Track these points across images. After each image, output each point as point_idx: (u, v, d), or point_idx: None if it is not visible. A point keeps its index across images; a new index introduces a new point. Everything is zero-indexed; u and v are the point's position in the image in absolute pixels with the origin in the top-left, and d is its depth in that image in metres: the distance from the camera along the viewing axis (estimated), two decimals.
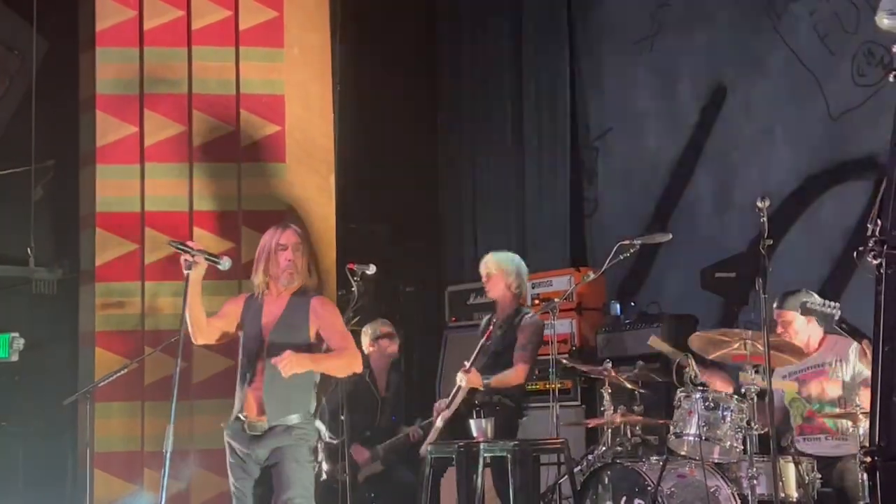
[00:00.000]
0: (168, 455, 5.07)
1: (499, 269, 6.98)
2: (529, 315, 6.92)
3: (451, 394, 6.85)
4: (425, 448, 6.80)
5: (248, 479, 5.46)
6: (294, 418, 5.39)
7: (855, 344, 6.18)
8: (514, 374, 6.77)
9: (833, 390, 6.23)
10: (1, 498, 7.73)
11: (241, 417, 5.45)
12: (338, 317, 5.62)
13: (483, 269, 7.05)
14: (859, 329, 5.69)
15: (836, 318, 5.41)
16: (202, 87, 7.70)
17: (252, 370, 5.48)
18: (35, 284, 8.01)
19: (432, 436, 6.89)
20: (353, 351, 5.53)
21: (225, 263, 5.48)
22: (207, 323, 5.55)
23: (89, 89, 7.68)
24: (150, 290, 7.51)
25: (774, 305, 6.31)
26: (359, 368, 5.58)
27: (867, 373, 6.05)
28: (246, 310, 5.64)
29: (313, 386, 5.52)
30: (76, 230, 7.82)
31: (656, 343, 6.62)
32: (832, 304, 5.37)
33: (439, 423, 6.84)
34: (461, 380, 6.72)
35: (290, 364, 5.26)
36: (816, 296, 6.15)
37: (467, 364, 6.73)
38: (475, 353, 6.77)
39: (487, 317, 7.14)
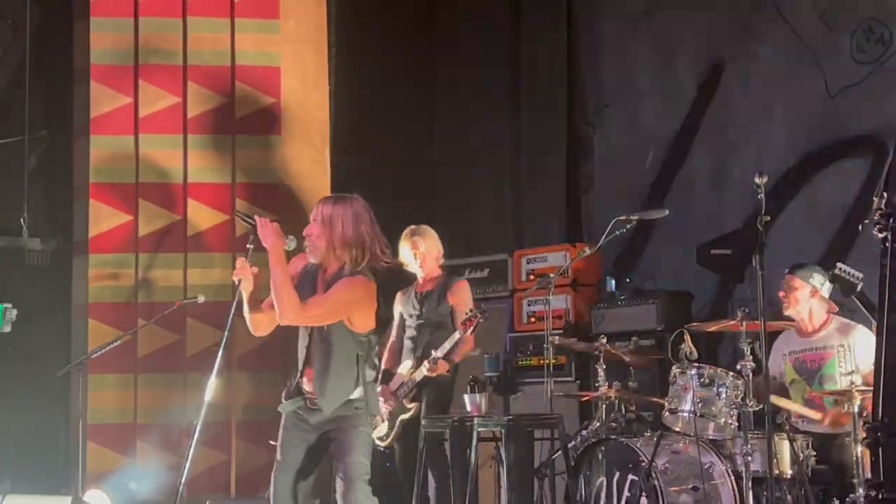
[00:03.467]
0: (198, 427, 4.94)
1: (434, 245, 7.06)
2: (457, 278, 7.16)
3: (406, 384, 6.91)
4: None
5: (302, 445, 5.29)
6: (352, 393, 5.23)
7: (860, 328, 6.16)
8: (468, 344, 6.84)
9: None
10: None
11: (305, 390, 5.29)
12: (341, 292, 5.17)
13: (417, 248, 7.04)
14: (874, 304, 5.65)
15: (859, 288, 5.38)
16: (197, 59, 7.66)
17: (306, 348, 5.26)
18: (28, 255, 7.96)
19: (396, 431, 6.94)
20: (301, 311, 5.10)
21: (290, 243, 5.16)
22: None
23: (84, 59, 7.64)
24: (143, 262, 7.50)
25: (786, 271, 6.33)
26: (283, 322, 5.14)
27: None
28: (301, 280, 5.32)
29: (358, 359, 5.21)
30: (70, 201, 7.78)
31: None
32: (858, 274, 5.35)
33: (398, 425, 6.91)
34: (427, 370, 6.72)
35: (266, 229, 5.07)
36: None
37: (436, 353, 6.71)
38: (450, 345, 6.71)
39: (407, 295, 7.13)
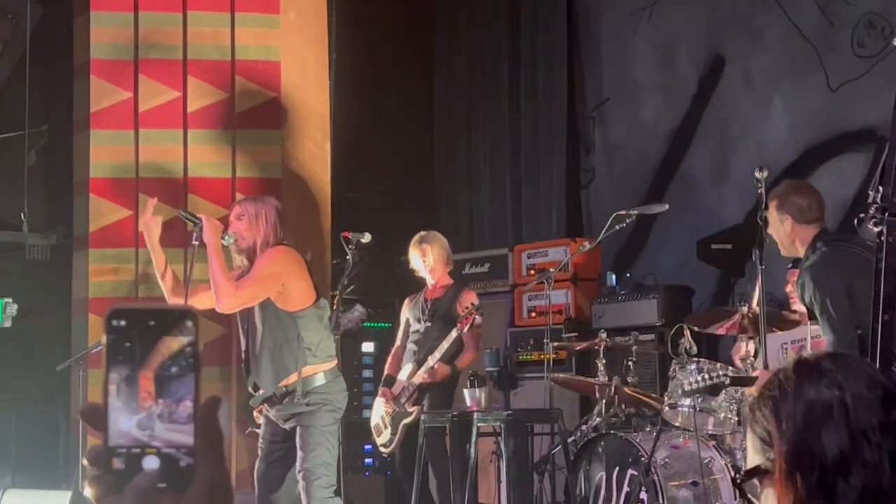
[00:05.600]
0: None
1: (442, 252, 7.06)
2: (466, 288, 7.19)
3: (407, 388, 6.89)
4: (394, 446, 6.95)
5: (270, 436, 5.51)
6: (291, 372, 5.35)
7: None
8: (471, 351, 6.89)
9: None
10: None
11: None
12: (264, 262, 5.41)
13: (425, 255, 7.05)
14: None
15: None
16: (197, 53, 7.64)
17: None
18: (28, 250, 7.96)
19: (400, 436, 6.93)
20: (234, 292, 5.34)
21: (229, 239, 5.48)
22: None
23: (83, 54, 7.62)
24: (143, 257, 7.47)
25: (790, 266, 6.29)
26: (221, 308, 5.40)
27: None
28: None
29: (298, 339, 5.39)
30: (70, 196, 7.78)
31: None
32: None
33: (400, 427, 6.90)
34: (425, 375, 6.72)
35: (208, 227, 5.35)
36: None
37: (430, 359, 6.74)
38: (447, 344, 6.73)
39: (415, 301, 7.14)
